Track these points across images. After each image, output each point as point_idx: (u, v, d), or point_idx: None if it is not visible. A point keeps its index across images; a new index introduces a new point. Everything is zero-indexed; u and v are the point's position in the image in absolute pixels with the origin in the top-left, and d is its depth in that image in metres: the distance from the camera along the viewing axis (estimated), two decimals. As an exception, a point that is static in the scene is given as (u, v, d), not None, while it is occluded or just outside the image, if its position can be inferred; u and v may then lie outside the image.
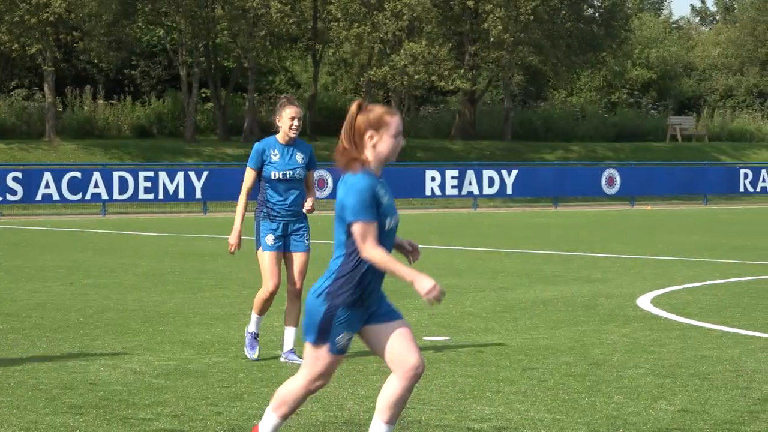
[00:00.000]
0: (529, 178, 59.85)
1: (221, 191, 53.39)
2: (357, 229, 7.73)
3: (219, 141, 66.30)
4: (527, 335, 15.79)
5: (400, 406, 7.94)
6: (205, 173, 54.24)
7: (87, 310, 19.33)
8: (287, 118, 13.38)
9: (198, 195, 53.21)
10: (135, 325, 17.11)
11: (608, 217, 47.75)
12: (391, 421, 7.98)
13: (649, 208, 55.13)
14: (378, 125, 7.70)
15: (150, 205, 53.35)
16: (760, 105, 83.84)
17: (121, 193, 52.18)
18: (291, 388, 8.11)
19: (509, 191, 58.46)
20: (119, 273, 26.21)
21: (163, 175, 53.25)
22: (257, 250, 13.54)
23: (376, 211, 7.70)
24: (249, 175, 13.79)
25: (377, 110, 7.77)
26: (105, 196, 51.62)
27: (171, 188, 52.83)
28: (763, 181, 63.40)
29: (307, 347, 7.96)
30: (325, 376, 7.81)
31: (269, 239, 13.61)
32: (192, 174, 54.07)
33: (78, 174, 51.58)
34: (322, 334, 7.81)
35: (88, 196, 51.26)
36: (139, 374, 12.32)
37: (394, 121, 7.79)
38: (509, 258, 28.64)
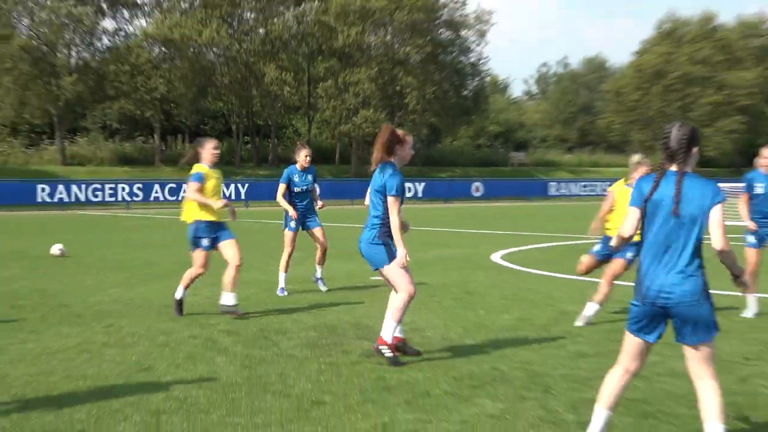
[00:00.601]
0: (431, 187, 61.95)
1: (257, 194, 54.35)
2: (391, 200, 9.72)
3: (255, 166, 69.07)
4: (431, 277, 17.51)
5: (402, 311, 9.90)
6: (247, 184, 55.64)
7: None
8: (303, 156, 15.69)
9: (242, 197, 53.67)
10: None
11: (477, 211, 48.30)
12: (399, 320, 9.97)
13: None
14: (402, 141, 9.96)
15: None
16: (562, 146, 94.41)
17: None
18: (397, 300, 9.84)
19: (419, 195, 59.93)
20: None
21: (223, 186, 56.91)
22: (284, 230, 15.57)
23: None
24: (281, 187, 15.84)
25: (401, 132, 10.05)
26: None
27: (228, 192, 52.78)
28: (562, 189, 68.19)
29: (384, 270, 9.93)
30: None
31: (292, 224, 15.70)
32: (239, 185, 55.48)
33: (174, 185, 52.91)
34: (390, 258, 9.78)
35: (181, 197, 51.42)
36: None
37: (410, 139, 10.16)
38: (420, 233, 28.45)
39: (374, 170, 10.06)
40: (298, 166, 15.65)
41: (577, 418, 7.64)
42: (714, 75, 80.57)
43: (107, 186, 52.88)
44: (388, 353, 9.74)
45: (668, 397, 8.38)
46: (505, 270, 19.18)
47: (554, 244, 25.87)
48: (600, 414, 6.50)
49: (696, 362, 6.40)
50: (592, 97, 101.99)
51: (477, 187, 64.08)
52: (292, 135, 78.41)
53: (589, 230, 12.81)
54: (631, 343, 6.55)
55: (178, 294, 13.17)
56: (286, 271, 15.66)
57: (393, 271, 9.83)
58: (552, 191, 67.73)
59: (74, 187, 51.29)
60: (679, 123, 6.52)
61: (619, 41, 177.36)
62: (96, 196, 51.83)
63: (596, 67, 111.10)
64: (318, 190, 16.44)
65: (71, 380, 9.02)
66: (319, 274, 15.95)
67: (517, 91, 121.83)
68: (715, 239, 6.31)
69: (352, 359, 10.05)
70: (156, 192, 53.57)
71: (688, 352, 6.43)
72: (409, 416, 7.70)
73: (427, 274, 17.61)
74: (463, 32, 75.38)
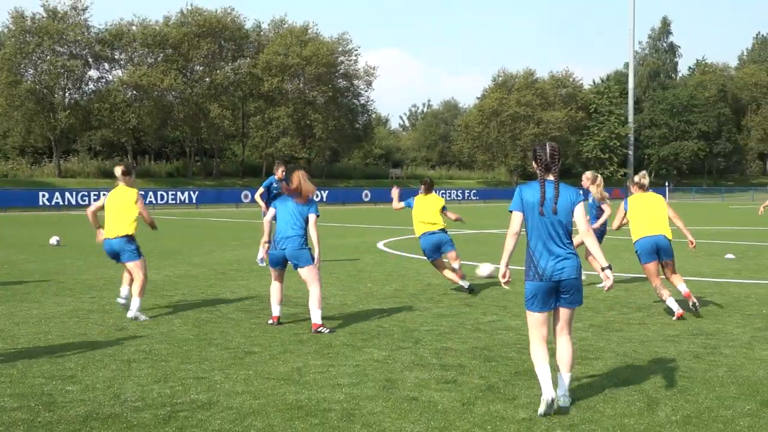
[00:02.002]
0: (333, 194, 62.17)
1: (205, 199, 54.21)
2: (314, 219, 9.83)
3: (203, 178, 68.65)
4: (332, 259, 17.46)
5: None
6: (197, 192, 54.92)
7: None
8: (280, 170, 15.91)
9: (194, 201, 53.03)
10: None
11: (366, 211, 41.54)
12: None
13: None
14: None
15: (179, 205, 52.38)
16: (427, 164, 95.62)
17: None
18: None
19: (325, 199, 58.68)
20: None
21: (178, 193, 54.12)
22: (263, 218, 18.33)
23: None
24: (261, 189, 16.15)
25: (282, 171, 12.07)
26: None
27: (183, 198, 53.27)
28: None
29: (307, 268, 9.52)
30: None
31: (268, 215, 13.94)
32: (191, 192, 54.58)
33: (143, 192, 57.34)
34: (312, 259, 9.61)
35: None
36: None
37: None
38: (325, 228, 26.96)
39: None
40: (276, 176, 15.89)
41: (439, 362, 7.69)
42: (534, 114, 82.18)
43: (92, 193, 51.43)
44: (324, 330, 9.17)
45: (503, 345, 8.45)
46: (386, 254, 19.29)
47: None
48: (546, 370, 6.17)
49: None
50: (448, 128, 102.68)
51: (366, 194, 64.01)
52: (230, 156, 77.98)
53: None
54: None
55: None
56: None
57: (314, 269, 9.51)
58: (420, 198, 68.00)
59: (67, 194, 50.52)
60: (546, 143, 6.43)
61: (467, 89, 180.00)
62: (84, 201, 50.53)
63: (451, 107, 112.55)
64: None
65: (64, 338, 8.89)
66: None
67: (394, 124, 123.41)
68: (581, 228, 6.33)
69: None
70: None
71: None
72: (317, 362, 7.70)
73: (329, 257, 17.62)
74: (355, 81, 75.43)
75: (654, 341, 8.72)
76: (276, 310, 9.72)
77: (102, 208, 10.99)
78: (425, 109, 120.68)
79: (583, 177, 13.64)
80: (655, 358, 7.86)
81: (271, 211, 9.81)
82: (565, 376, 6.26)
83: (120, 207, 10.85)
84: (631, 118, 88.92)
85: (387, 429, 5.69)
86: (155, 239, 23.36)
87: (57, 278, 14.32)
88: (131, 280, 10.39)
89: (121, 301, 10.47)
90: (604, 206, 13.69)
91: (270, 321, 9.72)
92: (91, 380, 6.97)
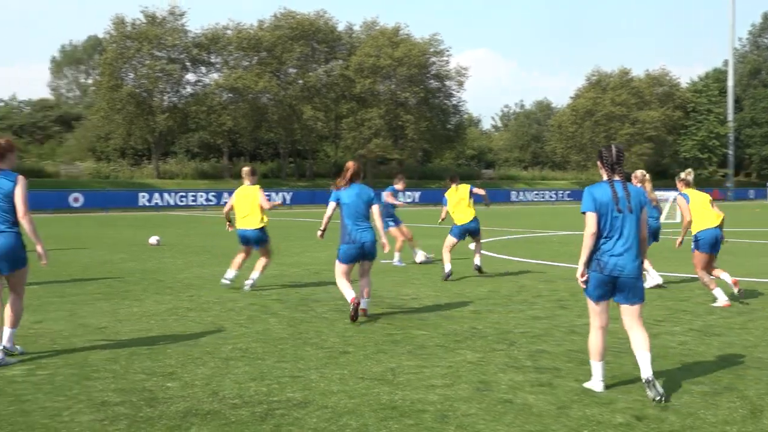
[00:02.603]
0: (425, 195, 60.23)
1: (298, 200, 54.10)
2: (377, 209, 10.38)
3: (296, 179, 69.00)
4: (437, 256, 17.50)
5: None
6: (291, 193, 55.11)
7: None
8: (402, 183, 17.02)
9: (288, 201, 52.86)
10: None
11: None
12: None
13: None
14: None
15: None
16: (519, 165, 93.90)
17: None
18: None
19: (417, 200, 59.46)
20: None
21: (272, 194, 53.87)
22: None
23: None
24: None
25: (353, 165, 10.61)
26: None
27: (277, 198, 48.11)
28: (520, 196, 67.19)
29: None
30: None
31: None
32: (285, 193, 54.67)
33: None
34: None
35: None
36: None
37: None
38: (418, 229, 26.63)
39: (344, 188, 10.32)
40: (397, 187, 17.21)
41: (533, 364, 7.62)
42: (629, 113, 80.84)
43: (190, 194, 53.01)
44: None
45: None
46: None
47: (515, 236, 25.76)
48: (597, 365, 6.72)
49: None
50: (540, 129, 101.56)
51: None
52: (323, 157, 77.94)
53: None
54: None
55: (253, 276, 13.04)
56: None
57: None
58: (513, 198, 67.35)
59: (166, 195, 51.57)
60: (611, 144, 6.77)
61: (560, 88, 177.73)
62: (181, 201, 51.90)
63: (544, 108, 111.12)
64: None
65: (164, 335, 9.07)
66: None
67: (486, 124, 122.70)
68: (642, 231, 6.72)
69: (369, 320, 10.05)
70: (225, 198, 52.58)
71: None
72: (411, 363, 7.69)
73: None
74: (447, 82, 74.93)
75: (758, 346, 8.51)
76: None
77: (232, 206, 12.80)
78: (517, 110, 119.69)
79: (632, 176, 13.35)
80: (758, 364, 7.65)
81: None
82: (647, 354, 6.51)
83: (249, 202, 12.59)
84: (730, 116, 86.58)
85: (481, 431, 5.66)
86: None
87: (156, 277, 14.60)
88: (239, 266, 12.70)
89: (226, 282, 12.65)
90: (655, 206, 13.74)
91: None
92: (190, 377, 7.11)
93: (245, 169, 12.79)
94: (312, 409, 6.13)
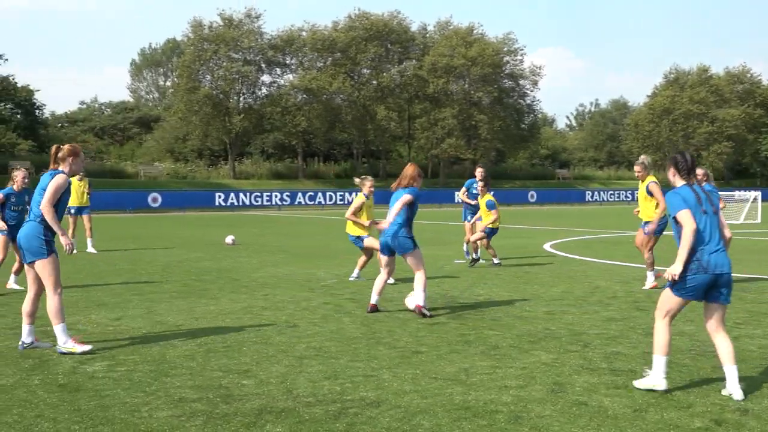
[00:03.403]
0: (498, 195, 61.32)
1: (377, 200, 58.82)
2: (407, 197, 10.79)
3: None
4: (510, 256, 17.73)
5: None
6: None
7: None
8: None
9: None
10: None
11: (532, 212, 41.81)
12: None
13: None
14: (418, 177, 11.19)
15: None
16: (594, 164, 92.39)
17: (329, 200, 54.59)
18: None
19: None
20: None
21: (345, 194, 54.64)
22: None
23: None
24: (463, 190, 17.78)
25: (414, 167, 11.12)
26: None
27: (351, 198, 50.21)
28: (595, 196, 66.65)
29: (411, 253, 10.31)
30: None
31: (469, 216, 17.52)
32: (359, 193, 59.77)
33: (312, 193, 54.85)
34: (414, 246, 10.39)
35: (317, 202, 53.63)
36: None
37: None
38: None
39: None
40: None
41: (609, 366, 7.50)
42: (708, 112, 79.25)
43: (265, 194, 53.57)
44: (426, 312, 10.18)
45: (677, 351, 8.05)
46: (553, 255, 19.01)
47: (590, 236, 25.56)
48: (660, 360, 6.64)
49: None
50: (616, 128, 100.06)
51: (532, 195, 63.46)
52: (397, 157, 78.44)
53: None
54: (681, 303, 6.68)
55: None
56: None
57: (417, 255, 10.38)
58: (588, 198, 66.78)
59: (241, 195, 52.16)
60: (683, 152, 6.94)
61: (636, 87, 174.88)
62: (257, 201, 52.44)
63: (620, 106, 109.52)
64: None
65: (240, 334, 9.14)
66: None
67: (561, 124, 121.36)
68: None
69: (441, 320, 10.00)
70: (299, 198, 54.24)
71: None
72: (484, 363, 7.64)
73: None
74: (521, 81, 74.79)
75: (842, 351, 8.21)
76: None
77: (360, 208, 13.78)
78: (593, 108, 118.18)
79: None
80: (843, 369, 7.38)
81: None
82: (734, 369, 6.46)
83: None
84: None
85: (556, 433, 5.60)
86: (323, 239, 23.76)
87: (232, 276, 14.74)
88: (364, 264, 13.68)
89: (354, 277, 13.67)
90: None
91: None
92: (265, 375, 7.17)
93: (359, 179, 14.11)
94: (385, 409, 6.12)
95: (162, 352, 8.14)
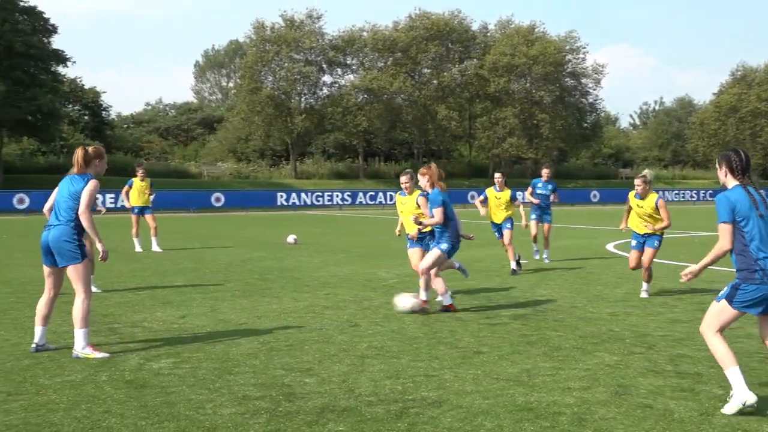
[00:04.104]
0: (560, 195, 61.03)
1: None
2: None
3: None
4: (561, 260, 18.11)
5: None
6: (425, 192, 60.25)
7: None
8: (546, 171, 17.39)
9: None
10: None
11: (594, 212, 45.14)
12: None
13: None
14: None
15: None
16: (658, 164, 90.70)
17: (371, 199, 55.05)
18: None
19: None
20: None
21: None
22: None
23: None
24: (529, 189, 17.59)
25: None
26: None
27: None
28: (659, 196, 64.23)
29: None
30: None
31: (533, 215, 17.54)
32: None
33: (373, 193, 55.34)
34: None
35: (378, 202, 54.17)
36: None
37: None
38: (552, 229, 24.16)
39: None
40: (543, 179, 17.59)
41: (674, 369, 7.37)
42: (777, 109, 77.73)
43: (326, 194, 53.94)
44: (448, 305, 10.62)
45: (744, 354, 7.89)
46: (616, 256, 18.78)
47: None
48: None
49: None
50: (681, 127, 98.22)
51: (594, 195, 62.75)
52: (457, 156, 78.58)
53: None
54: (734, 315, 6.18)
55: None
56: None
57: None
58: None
59: (303, 195, 52.59)
60: (737, 148, 6.30)
61: (701, 85, 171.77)
62: (318, 201, 52.80)
63: (685, 105, 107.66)
64: (554, 197, 17.75)
65: (302, 332, 9.21)
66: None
67: (624, 122, 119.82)
68: None
69: (503, 321, 9.95)
70: (360, 198, 54.48)
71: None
72: (546, 364, 7.57)
73: (557, 258, 17.49)
74: (583, 80, 74.26)
75: None
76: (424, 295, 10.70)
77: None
78: (657, 107, 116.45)
79: None
80: None
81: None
82: None
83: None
84: None
85: (620, 436, 5.52)
86: (384, 239, 23.79)
87: (294, 275, 14.84)
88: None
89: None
90: None
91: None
92: (327, 374, 7.20)
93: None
94: (446, 409, 6.11)
95: (225, 350, 8.23)
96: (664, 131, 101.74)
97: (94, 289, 12.53)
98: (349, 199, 53.73)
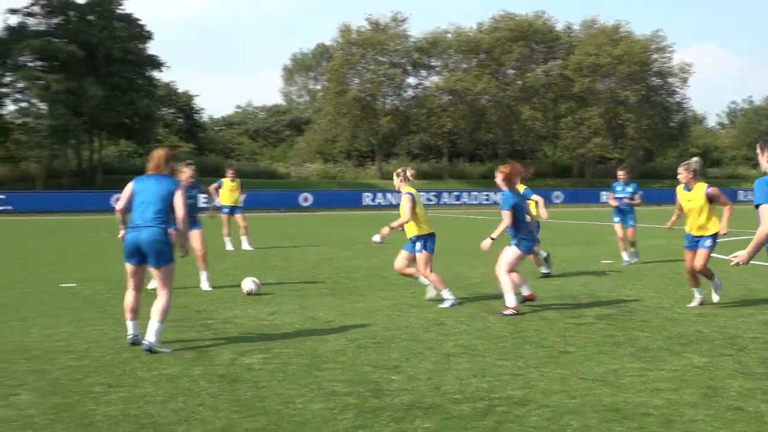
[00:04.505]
0: (647, 194, 56.95)
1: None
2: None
3: None
4: (647, 260, 18.19)
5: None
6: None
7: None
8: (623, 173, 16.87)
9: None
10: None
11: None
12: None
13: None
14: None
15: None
16: (747, 163, 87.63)
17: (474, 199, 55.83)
18: None
19: None
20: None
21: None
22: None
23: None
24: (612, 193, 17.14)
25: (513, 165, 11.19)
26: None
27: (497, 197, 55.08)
28: (748, 195, 63.33)
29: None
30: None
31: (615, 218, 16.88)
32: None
33: (458, 193, 55.71)
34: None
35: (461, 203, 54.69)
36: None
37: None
38: (640, 229, 21.58)
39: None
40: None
41: (766, 371, 7.15)
42: None
43: (412, 194, 53.93)
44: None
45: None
46: (704, 256, 18.30)
47: (743, 237, 24.26)
48: None
49: None
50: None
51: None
52: (542, 156, 77.91)
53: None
54: None
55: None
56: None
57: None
58: (740, 197, 63.62)
59: (388, 195, 52.62)
60: None
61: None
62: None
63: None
64: (636, 198, 17.07)
65: (389, 330, 9.24)
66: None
67: (711, 122, 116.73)
68: None
69: (589, 320, 9.82)
70: (445, 198, 54.51)
71: None
72: (633, 365, 7.44)
73: (644, 258, 17.15)
74: (670, 79, 72.67)
75: None
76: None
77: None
78: (746, 106, 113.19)
79: None
80: None
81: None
82: None
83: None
84: None
85: (710, 438, 5.40)
86: (469, 239, 23.72)
87: (380, 274, 14.90)
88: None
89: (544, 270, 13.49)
90: None
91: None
92: (413, 371, 7.21)
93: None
94: (532, 408, 6.05)
95: (314, 346, 8.31)
96: (753, 130, 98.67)
97: (206, 287, 12.72)
98: (434, 199, 53.68)
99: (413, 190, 11.22)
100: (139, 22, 55.96)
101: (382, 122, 64.93)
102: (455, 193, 55.36)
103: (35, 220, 38.85)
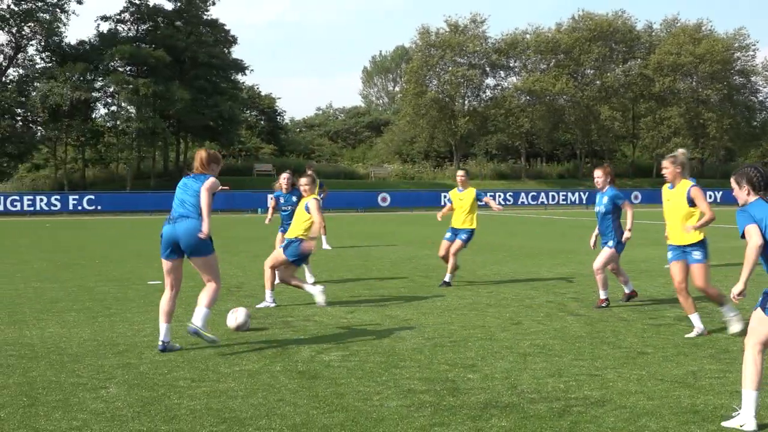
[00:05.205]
0: (726, 195, 58.76)
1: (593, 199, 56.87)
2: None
3: (592, 180, 71.88)
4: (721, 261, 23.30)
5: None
6: (587, 192, 54.12)
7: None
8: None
9: (584, 201, 53.43)
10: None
11: None
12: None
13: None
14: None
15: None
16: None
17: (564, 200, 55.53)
18: None
19: (718, 200, 54.02)
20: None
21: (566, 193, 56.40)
22: None
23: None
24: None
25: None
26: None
27: (573, 198, 54.44)
28: None
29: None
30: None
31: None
32: (581, 193, 55.01)
33: (535, 193, 54.81)
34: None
35: (540, 202, 54.46)
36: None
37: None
38: (713, 229, 22.77)
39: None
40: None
41: None
42: None
43: (488, 194, 52.64)
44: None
45: None
46: None
47: None
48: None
49: None
50: None
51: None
52: (621, 157, 76.57)
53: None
54: None
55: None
56: None
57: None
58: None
59: (466, 195, 52.25)
60: (755, 165, 6.11)
61: None
62: (480, 201, 52.12)
63: None
64: None
65: (465, 329, 9.23)
66: None
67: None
68: None
69: (668, 322, 9.67)
70: (522, 198, 53.94)
71: None
72: (713, 367, 7.29)
73: (722, 262, 16.72)
74: (753, 78, 70.79)
75: None
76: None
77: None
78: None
79: None
80: None
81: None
82: None
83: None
84: None
85: (792, 443, 5.24)
86: (545, 239, 23.55)
87: (457, 273, 14.66)
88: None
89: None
90: None
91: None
92: (490, 370, 7.19)
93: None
94: (609, 408, 5.98)
95: (392, 344, 8.34)
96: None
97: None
98: (511, 199, 53.18)
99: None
100: (225, 27, 57.13)
101: (460, 123, 64.66)
102: (532, 194, 54.79)
103: (122, 219, 39.83)
